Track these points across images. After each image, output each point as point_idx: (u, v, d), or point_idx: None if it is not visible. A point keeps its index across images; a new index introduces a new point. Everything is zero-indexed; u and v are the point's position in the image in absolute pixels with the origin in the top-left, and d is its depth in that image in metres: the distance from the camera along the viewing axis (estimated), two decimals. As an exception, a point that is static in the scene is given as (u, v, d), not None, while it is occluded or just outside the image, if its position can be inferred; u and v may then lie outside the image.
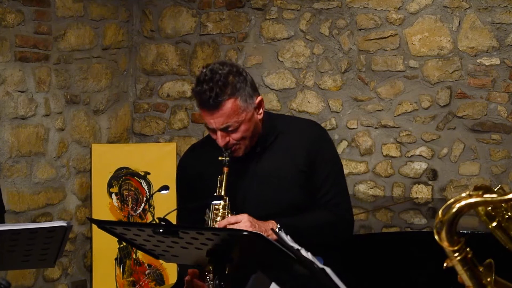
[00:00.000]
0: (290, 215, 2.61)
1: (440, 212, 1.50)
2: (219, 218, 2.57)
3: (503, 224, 1.68)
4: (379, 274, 3.57)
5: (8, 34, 4.73)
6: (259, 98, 2.63)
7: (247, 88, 2.58)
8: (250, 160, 2.68)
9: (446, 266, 1.53)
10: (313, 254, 2.01)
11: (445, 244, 1.50)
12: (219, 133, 2.60)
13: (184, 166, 2.88)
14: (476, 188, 1.61)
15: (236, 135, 2.59)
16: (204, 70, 2.57)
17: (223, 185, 2.58)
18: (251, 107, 2.59)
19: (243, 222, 2.50)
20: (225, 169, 2.59)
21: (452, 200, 1.50)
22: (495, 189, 1.60)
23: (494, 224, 1.67)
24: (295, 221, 2.60)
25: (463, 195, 1.51)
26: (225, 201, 2.59)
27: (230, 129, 2.58)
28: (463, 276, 1.51)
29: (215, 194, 2.59)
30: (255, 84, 2.66)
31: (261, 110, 2.65)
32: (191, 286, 2.54)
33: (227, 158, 2.59)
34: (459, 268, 1.51)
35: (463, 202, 1.50)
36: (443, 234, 1.50)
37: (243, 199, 2.64)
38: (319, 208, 2.68)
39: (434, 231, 1.51)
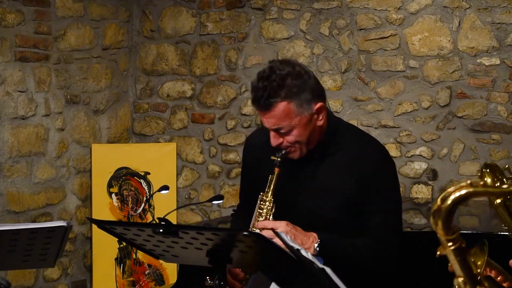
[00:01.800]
0: (333, 232, 2.51)
1: (438, 199, 1.48)
2: (261, 218, 2.53)
3: (507, 203, 1.68)
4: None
5: (8, 34, 4.73)
6: (318, 105, 2.51)
7: (305, 92, 2.47)
8: (305, 165, 2.59)
9: (439, 254, 1.51)
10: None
11: (440, 232, 1.48)
12: (271, 132, 2.51)
13: (247, 147, 2.83)
14: (485, 166, 1.60)
15: (289, 138, 2.50)
16: (265, 67, 2.50)
17: (272, 186, 2.52)
18: (307, 113, 2.48)
19: (280, 228, 2.42)
20: (276, 170, 2.52)
21: (452, 188, 1.49)
22: (504, 168, 1.59)
23: (499, 201, 1.66)
24: (337, 241, 2.50)
25: (464, 184, 1.49)
26: (270, 203, 2.52)
27: (282, 131, 2.49)
28: (455, 266, 1.50)
29: (261, 193, 2.53)
30: (319, 88, 2.54)
31: (321, 116, 2.53)
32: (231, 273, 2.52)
33: (278, 159, 2.51)
34: (451, 257, 1.50)
35: (463, 191, 1.48)
36: (440, 222, 1.47)
37: (289, 204, 2.58)
38: (366, 237, 2.55)
39: (431, 218, 1.48)
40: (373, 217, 2.55)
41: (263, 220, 2.52)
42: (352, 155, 2.58)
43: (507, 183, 1.65)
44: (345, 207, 2.55)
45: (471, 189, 1.48)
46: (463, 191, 1.48)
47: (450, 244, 1.49)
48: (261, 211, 2.54)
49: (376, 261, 2.57)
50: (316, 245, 2.48)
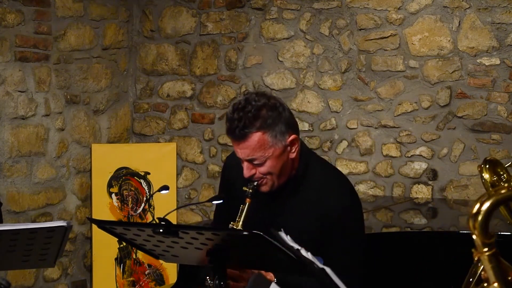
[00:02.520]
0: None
1: (478, 203, 1.48)
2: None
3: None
4: (379, 274, 3.57)
5: (8, 34, 4.73)
6: (292, 137, 2.52)
7: (280, 124, 2.49)
8: (276, 199, 2.61)
9: (476, 259, 1.50)
10: None
11: (477, 235, 1.48)
12: (245, 163, 2.53)
13: (226, 165, 2.86)
14: (486, 162, 1.60)
15: (262, 169, 2.52)
16: (241, 98, 2.53)
17: (243, 216, 2.54)
18: (281, 144, 2.51)
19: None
20: (247, 200, 2.53)
21: (491, 190, 1.49)
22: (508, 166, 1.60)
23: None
24: (293, 283, 2.47)
25: (503, 186, 1.49)
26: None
27: (255, 162, 2.51)
28: (489, 272, 1.49)
29: (232, 223, 2.54)
30: (293, 120, 2.55)
31: (294, 149, 2.55)
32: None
33: (250, 190, 2.53)
34: (486, 263, 1.49)
35: (502, 194, 1.48)
36: (478, 224, 1.47)
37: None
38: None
39: (469, 221, 1.49)
40: (334, 261, 2.47)
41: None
42: (317, 195, 2.58)
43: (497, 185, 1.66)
44: (308, 247, 2.55)
45: (508, 193, 1.48)
46: (503, 194, 1.48)
47: (485, 249, 1.49)
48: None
49: None
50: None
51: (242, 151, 2.51)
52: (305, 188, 2.61)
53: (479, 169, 1.73)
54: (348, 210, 2.59)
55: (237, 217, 2.55)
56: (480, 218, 1.47)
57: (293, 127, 2.56)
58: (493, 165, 1.64)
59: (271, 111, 2.49)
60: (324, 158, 2.92)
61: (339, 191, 2.63)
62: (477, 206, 1.48)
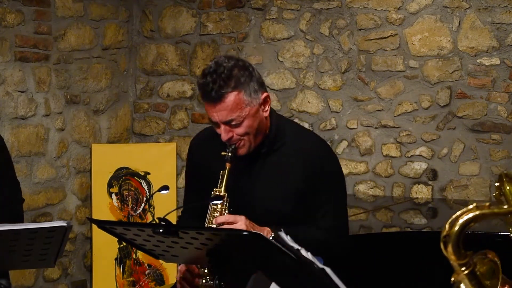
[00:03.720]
0: (286, 225, 2.54)
1: (447, 225, 1.47)
2: (216, 214, 2.58)
3: None
4: (379, 274, 3.57)
5: (8, 34, 4.73)
6: (265, 94, 2.60)
7: (252, 82, 2.55)
8: (254, 161, 2.66)
9: (453, 281, 1.50)
10: None
11: (452, 257, 1.47)
12: (222, 127, 2.56)
13: (191, 148, 2.88)
14: (505, 175, 1.59)
15: (239, 130, 2.56)
16: (210, 63, 2.56)
17: (224, 181, 2.57)
18: (256, 102, 2.57)
19: (240, 223, 2.51)
20: (227, 165, 2.57)
21: (459, 212, 1.48)
22: None
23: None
24: (289, 232, 2.56)
25: (470, 207, 1.49)
26: (223, 198, 2.58)
27: (233, 123, 2.54)
28: None
29: (215, 189, 2.58)
30: (262, 80, 2.63)
31: (267, 107, 2.62)
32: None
33: (229, 154, 2.57)
34: (466, 283, 1.48)
35: (470, 215, 1.47)
36: (450, 247, 1.47)
37: (242, 199, 2.64)
38: (315, 227, 2.65)
39: (441, 244, 1.48)
40: (321, 208, 2.64)
41: (218, 216, 2.55)
42: (296, 149, 2.66)
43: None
44: (294, 200, 2.64)
45: (477, 212, 1.48)
46: (470, 215, 1.48)
47: (463, 269, 1.48)
48: (215, 207, 2.58)
49: (328, 249, 2.63)
50: (270, 238, 2.52)
51: (219, 114, 2.53)
52: (280, 145, 2.67)
53: (497, 184, 1.72)
54: (327, 160, 2.69)
55: (218, 183, 2.58)
56: (451, 239, 1.47)
57: (263, 85, 2.63)
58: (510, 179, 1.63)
59: (243, 70, 2.55)
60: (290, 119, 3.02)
61: (314, 143, 2.72)
62: (447, 228, 1.47)
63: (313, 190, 2.63)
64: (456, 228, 1.47)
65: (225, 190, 2.57)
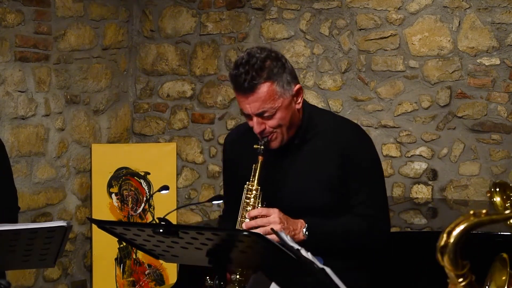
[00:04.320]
0: (321, 216, 2.56)
1: (444, 234, 1.43)
2: (249, 208, 2.55)
3: None
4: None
5: (8, 34, 4.73)
6: (297, 86, 2.56)
7: (285, 74, 2.51)
8: (287, 153, 2.63)
9: None
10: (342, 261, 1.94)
11: (449, 268, 1.43)
12: (255, 119, 2.52)
13: (226, 144, 2.86)
14: (495, 185, 1.57)
15: (272, 122, 2.52)
16: (242, 54, 2.54)
17: (257, 174, 2.54)
18: (289, 94, 2.53)
19: (273, 216, 2.48)
20: (260, 158, 2.53)
21: (456, 221, 1.45)
22: None
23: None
24: (324, 223, 2.54)
25: (467, 215, 1.45)
26: (257, 191, 2.55)
27: (266, 114, 2.51)
28: None
29: (247, 183, 2.56)
30: (294, 72, 2.59)
31: (299, 99, 2.58)
32: None
33: (262, 147, 2.53)
34: None
35: (466, 223, 1.44)
36: (447, 257, 1.43)
37: (275, 192, 2.60)
38: (353, 215, 2.60)
39: (438, 254, 1.43)
40: (357, 195, 2.59)
41: (251, 210, 2.54)
42: (330, 137, 2.62)
43: (510, 208, 1.63)
44: (330, 190, 2.60)
45: (475, 220, 1.45)
46: (467, 223, 1.44)
47: (460, 280, 1.44)
48: (248, 200, 2.57)
49: (366, 237, 2.60)
50: (304, 229, 2.53)
51: (251, 105, 2.50)
52: (313, 135, 2.63)
53: (488, 194, 1.70)
54: (360, 145, 2.64)
55: (251, 176, 2.55)
56: (448, 250, 1.43)
57: (296, 77, 2.58)
58: (503, 188, 1.61)
59: (276, 62, 2.51)
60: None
61: (348, 129, 2.67)
62: (444, 238, 1.43)
63: (348, 178, 2.58)
64: (453, 237, 1.43)
65: (258, 184, 2.54)
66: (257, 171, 2.54)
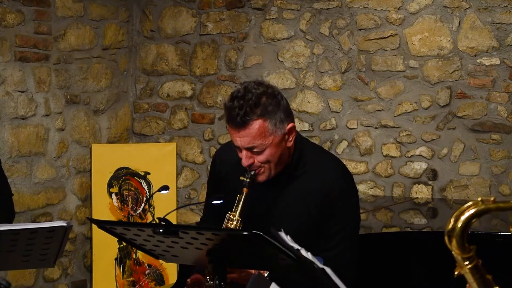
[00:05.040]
0: None
1: (452, 218, 1.48)
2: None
3: None
4: (379, 274, 3.57)
5: (8, 34, 4.73)
6: (290, 125, 2.54)
7: (279, 112, 2.50)
8: (272, 187, 2.62)
9: (457, 274, 1.51)
10: None
11: (456, 251, 1.48)
12: (244, 152, 2.52)
13: (216, 159, 2.87)
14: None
15: (261, 158, 2.52)
16: (239, 87, 2.53)
17: (240, 206, 2.54)
18: (280, 132, 2.52)
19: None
20: (245, 190, 2.54)
21: (464, 206, 1.49)
22: None
23: None
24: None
25: (475, 201, 1.49)
26: (237, 222, 2.54)
27: (255, 150, 2.51)
28: (473, 285, 1.49)
29: (229, 212, 2.55)
30: (289, 109, 2.57)
31: (291, 138, 2.57)
32: None
33: (248, 180, 2.53)
34: (469, 277, 1.49)
35: (475, 209, 1.48)
36: (455, 241, 1.48)
37: (256, 224, 2.58)
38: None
39: (446, 238, 1.49)
40: (331, 240, 2.59)
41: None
42: (315, 178, 2.61)
43: None
44: (307, 230, 2.59)
45: (483, 206, 1.49)
46: (475, 209, 1.48)
47: (466, 263, 1.49)
48: (229, 224, 2.56)
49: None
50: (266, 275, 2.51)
51: (242, 139, 2.51)
52: (300, 174, 2.64)
53: None
54: (345, 192, 2.63)
55: (234, 207, 2.56)
56: (455, 234, 1.48)
57: (291, 115, 2.58)
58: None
59: (271, 99, 2.51)
60: (315, 143, 2.95)
61: (335, 174, 2.66)
62: (452, 222, 1.48)
63: (326, 222, 2.58)
64: (461, 222, 1.48)
65: (240, 215, 2.54)
66: (241, 202, 2.55)
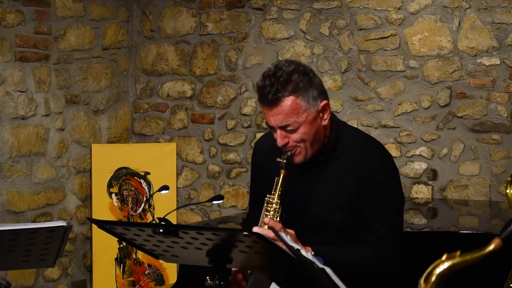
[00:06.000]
0: (335, 235, 2.53)
1: (422, 281, 1.45)
2: (266, 219, 2.50)
3: None
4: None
5: (8, 34, 4.73)
6: (324, 102, 2.51)
7: (311, 89, 2.48)
8: (310, 169, 2.59)
9: None
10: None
11: None
12: (278, 131, 2.49)
13: (256, 150, 2.84)
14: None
15: (295, 136, 2.49)
16: (270, 66, 2.52)
17: (278, 188, 2.51)
18: (314, 109, 2.49)
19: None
20: (282, 172, 2.51)
21: (431, 267, 1.46)
22: None
23: None
24: (331, 252, 2.48)
25: (442, 259, 1.47)
26: (277, 204, 2.51)
27: (289, 128, 2.48)
28: None
29: (268, 195, 2.53)
30: (323, 87, 2.55)
31: (325, 115, 2.54)
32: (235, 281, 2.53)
33: (284, 161, 2.50)
34: None
35: (441, 268, 1.46)
36: None
37: (295, 207, 2.58)
38: (363, 244, 2.55)
39: (421, 284, 1.46)
40: (372, 222, 2.54)
41: (271, 221, 2.50)
42: (354, 159, 2.57)
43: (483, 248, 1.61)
44: (348, 211, 2.55)
45: (449, 262, 1.47)
46: (442, 268, 1.46)
47: None
48: (267, 213, 2.53)
49: (373, 269, 2.55)
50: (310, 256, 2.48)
51: (275, 118, 2.48)
52: (339, 155, 2.59)
53: (505, 184, 1.70)
54: (383, 172, 2.60)
55: (273, 189, 2.52)
56: (433, 280, 1.46)
57: (324, 93, 2.54)
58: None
59: (303, 76, 2.48)
60: (353, 126, 2.92)
61: (375, 153, 2.63)
62: (422, 285, 1.46)
63: (366, 204, 2.54)
64: (431, 283, 1.45)
65: (279, 197, 2.51)
66: (279, 184, 2.52)
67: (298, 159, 2.54)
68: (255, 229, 2.40)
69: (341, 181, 2.57)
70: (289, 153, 2.51)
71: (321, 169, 2.59)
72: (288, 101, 2.45)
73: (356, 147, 2.61)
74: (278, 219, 2.51)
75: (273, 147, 2.57)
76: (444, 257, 1.46)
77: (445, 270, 1.45)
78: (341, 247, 2.52)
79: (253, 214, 2.72)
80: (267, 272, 2.35)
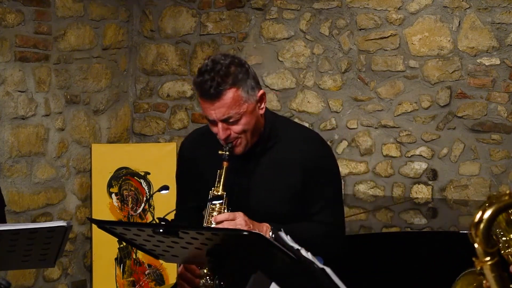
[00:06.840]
0: (282, 223, 2.56)
1: (479, 210, 1.46)
2: (215, 213, 2.56)
3: None
4: (379, 274, 3.57)
5: (8, 34, 4.73)
6: (261, 92, 2.59)
7: (249, 80, 2.54)
8: (249, 160, 2.65)
9: (479, 269, 1.47)
10: None
11: (480, 244, 1.45)
12: (220, 125, 2.54)
13: (183, 147, 2.86)
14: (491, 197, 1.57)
15: (237, 128, 2.54)
16: (206, 61, 2.55)
17: (222, 180, 2.56)
18: (253, 99, 2.55)
19: (239, 220, 2.50)
20: (225, 164, 2.55)
21: (493, 199, 1.46)
22: None
23: None
24: (287, 228, 2.48)
25: (504, 194, 1.47)
26: (223, 198, 2.57)
27: (231, 120, 2.53)
28: (491, 281, 1.47)
29: (212, 188, 2.57)
30: (257, 77, 2.62)
31: (263, 105, 2.61)
32: (184, 279, 2.55)
33: (227, 153, 2.55)
34: (488, 272, 1.47)
35: (504, 202, 1.46)
36: (480, 233, 1.45)
37: (239, 198, 2.63)
38: (312, 223, 2.65)
39: (471, 229, 1.46)
40: (316, 204, 2.64)
41: (217, 215, 2.54)
42: (291, 146, 2.66)
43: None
44: (290, 198, 2.63)
45: (509, 200, 1.46)
46: (504, 203, 1.46)
47: (488, 258, 1.46)
48: (214, 206, 2.57)
49: (323, 243, 2.61)
50: (270, 232, 2.54)
51: (217, 111, 2.52)
52: (276, 143, 2.67)
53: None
54: (321, 156, 2.68)
55: (216, 182, 2.57)
56: (482, 226, 1.45)
57: (259, 83, 2.62)
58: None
59: (240, 67, 2.54)
60: (286, 116, 3.00)
61: (316, 142, 2.72)
62: (479, 214, 1.46)
63: (308, 187, 2.63)
64: (489, 214, 1.45)
65: (223, 189, 2.56)
66: (222, 176, 2.56)
67: (239, 150, 2.59)
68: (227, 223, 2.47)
69: (281, 169, 2.64)
70: (230, 145, 2.56)
71: (259, 159, 2.66)
72: (229, 94, 2.50)
73: (292, 134, 2.70)
74: (225, 211, 2.56)
75: (204, 142, 2.66)
76: (507, 193, 1.47)
77: (503, 206, 1.45)
78: (295, 225, 2.59)
79: (185, 207, 2.77)
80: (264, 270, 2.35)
